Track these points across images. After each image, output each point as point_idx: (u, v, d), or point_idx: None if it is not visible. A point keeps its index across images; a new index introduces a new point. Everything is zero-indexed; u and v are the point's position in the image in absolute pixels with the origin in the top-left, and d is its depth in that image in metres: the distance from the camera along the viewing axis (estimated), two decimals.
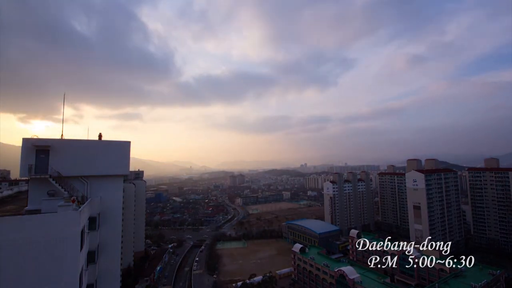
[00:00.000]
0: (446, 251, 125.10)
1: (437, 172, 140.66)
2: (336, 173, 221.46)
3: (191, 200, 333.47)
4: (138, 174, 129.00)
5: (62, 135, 28.80)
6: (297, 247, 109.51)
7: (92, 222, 26.37)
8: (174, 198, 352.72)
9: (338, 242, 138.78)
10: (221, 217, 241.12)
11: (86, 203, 23.83)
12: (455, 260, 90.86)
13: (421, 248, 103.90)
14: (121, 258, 30.96)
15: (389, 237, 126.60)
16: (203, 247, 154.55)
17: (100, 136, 30.28)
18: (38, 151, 25.01)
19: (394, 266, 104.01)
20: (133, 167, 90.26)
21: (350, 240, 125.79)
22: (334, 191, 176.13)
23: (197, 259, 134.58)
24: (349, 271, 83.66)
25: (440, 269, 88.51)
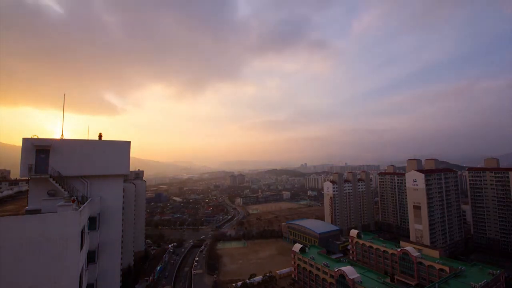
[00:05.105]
0: (446, 250, 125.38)
1: (437, 172, 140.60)
2: (336, 173, 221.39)
3: (191, 200, 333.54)
4: (138, 174, 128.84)
5: (62, 135, 28.81)
6: (297, 247, 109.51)
7: (92, 222, 26.40)
8: (174, 198, 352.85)
9: (338, 242, 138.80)
10: (221, 217, 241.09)
11: (86, 203, 23.85)
12: (455, 260, 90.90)
13: (421, 248, 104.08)
14: (121, 258, 30.95)
15: (389, 237, 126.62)
16: (203, 247, 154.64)
17: (100, 136, 30.29)
18: (38, 151, 25.00)
19: (394, 266, 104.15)
20: (133, 167, 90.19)
21: (350, 240, 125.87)
22: (334, 191, 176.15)
23: (197, 259, 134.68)
24: (349, 271, 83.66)
25: (440, 269, 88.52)
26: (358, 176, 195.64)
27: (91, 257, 25.90)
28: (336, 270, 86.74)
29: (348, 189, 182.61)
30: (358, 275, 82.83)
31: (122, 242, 30.83)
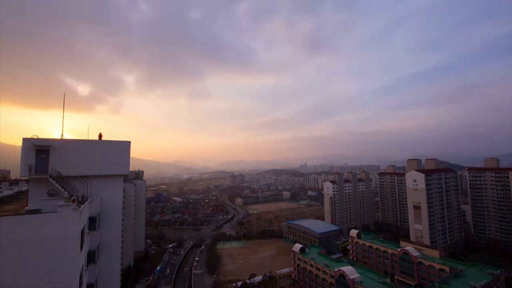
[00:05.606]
0: (446, 250, 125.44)
1: (437, 172, 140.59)
2: (336, 173, 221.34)
3: (191, 200, 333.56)
4: (138, 174, 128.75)
5: (62, 135, 28.84)
6: (297, 247, 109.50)
7: (92, 222, 26.43)
8: (174, 198, 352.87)
9: (338, 242, 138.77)
10: (221, 217, 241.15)
11: (86, 203, 23.88)
12: (455, 260, 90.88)
13: (421, 248, 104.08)
14: (121, 258, 30.96)
15: (389, 237, 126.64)
16: (203, 247, 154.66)
17: (100, 135, 30.32)
18: (38, 151, 25.03)
19: (394, 266, 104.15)
20: (133, 167, 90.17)
21: (350, 240, 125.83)
22: (334, 191, 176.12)
23: (197, 259, 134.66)
24: (349, 271, 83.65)
25: (440, 269, 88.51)
26: (358, 176, 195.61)
27: (91, 257, 25.93)
28: (336, 270, 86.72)
29: (348, 189, 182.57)
30: (358, 275, 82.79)
31: (122, 242, 30.83)
